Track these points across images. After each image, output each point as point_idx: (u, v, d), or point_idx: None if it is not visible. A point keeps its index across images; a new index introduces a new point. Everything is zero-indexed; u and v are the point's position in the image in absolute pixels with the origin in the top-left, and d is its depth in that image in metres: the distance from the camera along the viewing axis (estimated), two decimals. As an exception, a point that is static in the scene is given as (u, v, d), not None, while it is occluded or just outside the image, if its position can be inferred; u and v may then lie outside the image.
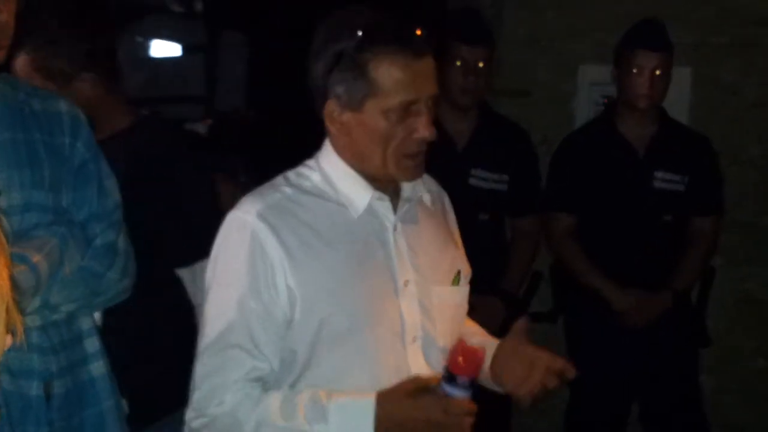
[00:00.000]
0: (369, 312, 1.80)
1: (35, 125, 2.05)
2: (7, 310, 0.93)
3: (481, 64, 3.38)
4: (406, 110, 1.76)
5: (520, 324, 1.92)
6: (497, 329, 3.34)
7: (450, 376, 1.73)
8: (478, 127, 3.49)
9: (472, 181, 3.46)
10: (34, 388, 1.99)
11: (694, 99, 4.06)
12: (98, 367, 2.15)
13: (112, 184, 2.16)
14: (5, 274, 0.93)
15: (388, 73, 1.74)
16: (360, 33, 1.74)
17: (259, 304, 1.76)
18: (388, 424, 1.73)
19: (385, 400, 1.74)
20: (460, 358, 1.74)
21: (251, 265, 1.76)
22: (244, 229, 1.78)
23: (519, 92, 4.03)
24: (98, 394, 2.15)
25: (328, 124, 1.82)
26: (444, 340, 1.88)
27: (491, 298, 3.37)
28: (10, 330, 0.94)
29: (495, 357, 1.90)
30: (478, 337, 2.02)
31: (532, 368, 1.86)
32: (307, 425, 1.72)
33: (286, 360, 1.80)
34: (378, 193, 1.84)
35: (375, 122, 1.76)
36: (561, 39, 4.01)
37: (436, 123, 3.63)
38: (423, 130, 1.78)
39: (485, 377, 1.92)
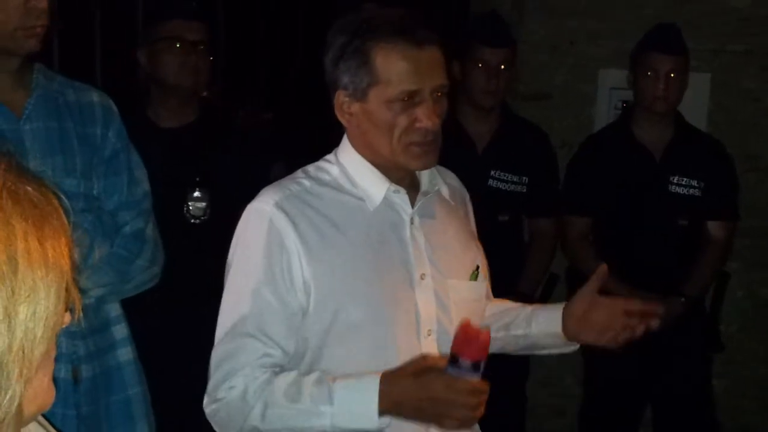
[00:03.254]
0: (384, 304, 1.81)
1: (68, 115, 2.10)
2: (67, 289, 0.97)
3: (502, 67, 3.41)
4: (410, 100, 1.77)
5: (595, 278, 1.97)
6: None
7: (453, 358, 1.70)
8: (498, 129, 3.51)
9: (492, 182, 3.48)
10: (63, 371, 2.04)
11: (713, 105, 4.08)
12: (125, 353, 2.20)
13: (141, 174, 2.21)
14: (66, 253, 0.96)
15: (390, 62, 1.76)
16: (364, 24, 1.78)
17: (275, 293, 1.78)
18: (392, 402, 1.72)
19: (390, 379, 1.73)
20: (464, 339, 1.70)
21: (268, 255, 1.78)
22: (262, 218, 1.80)
23: (539, 95, 4.06)
24: (125, 381, 2.20)
25: (339, 115, 1.85)
26: None
27: (508, 298, 3.39)
28: (69, 308, 0.98)
29: (567, 314, 1.95)
30: (509, 308, 2.06)
31: (610, 316, 1.92)
32: (312, 406, 1.73)
33: (299, 348, 1.81)
34: (394, 186, 1.85)
35: (379, 112, 1.79)
36: (581, 43, 4.04)
37: (457, 124, 3.66)
38: (425, 120, 1.78)
39: (555, 339, 1.98)
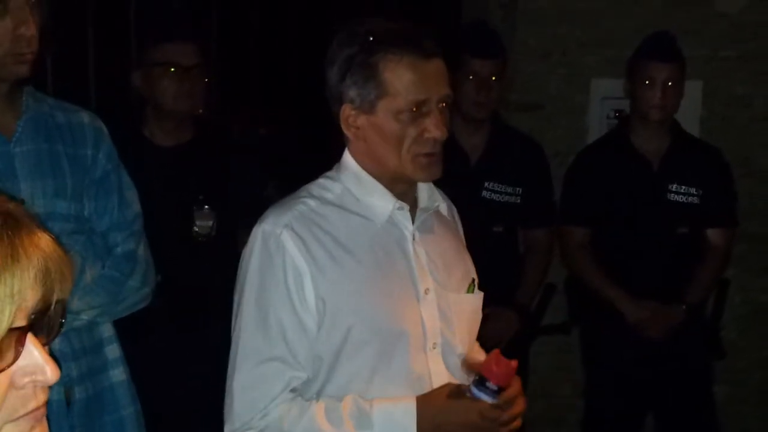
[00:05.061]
0: (392, 320, 1.84)
1: (58, 137, 2.10)
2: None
3: (493, 78, 3.41)
4: (417, 110, 1.79)
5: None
6: (511, 341, 3.41)
7: (481, 380, 1.78)
8: (490, 140, 3.51)
9: (485, 194, 3.48)
10: (55, 393, 2.03)
11: (706, 112, 4.09)
12: (118, 374, 2.20)
13: (132, 195, 2.21)
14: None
15: (398, 74, 1.78)
16: (370, 37, 1.80)
17: (293, 314, 1.80)
18: (428, 426, 1.79)
19: (425, 403, 1.80)
20: (494, 365, 1.79)
21: (282, 277, 1.80)
22: (272, 240, 1.81)
23: (532, 106, 4.06)
24: (118, 401, 2.20)
25: (344, 129, 1.86)
26: (462, 346, 1.93)
27: (505, 309, 3.39)
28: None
29: None
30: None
31: None
32: (354, 431, 1.77)
33: (314, 367, 1.83)
34: (399, 203, 1.87)
35: (387, 124, 1.81)
36: (573, 52, 4.04)
37: (449, 136, 3.67)
38: (434, 129, 1.80)
39: None
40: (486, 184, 3.48)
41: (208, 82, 3.07)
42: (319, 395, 1.83)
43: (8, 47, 1.94)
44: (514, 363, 1.80)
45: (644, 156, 3.47)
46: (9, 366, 0.91)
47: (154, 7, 4.02)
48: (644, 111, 3.41)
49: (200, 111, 3.08)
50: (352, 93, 1.81)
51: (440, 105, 1.82)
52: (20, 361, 0.92)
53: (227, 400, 1.85)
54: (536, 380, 3.85)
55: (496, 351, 1.82)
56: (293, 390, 1.81)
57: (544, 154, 3.64)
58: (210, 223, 2.98)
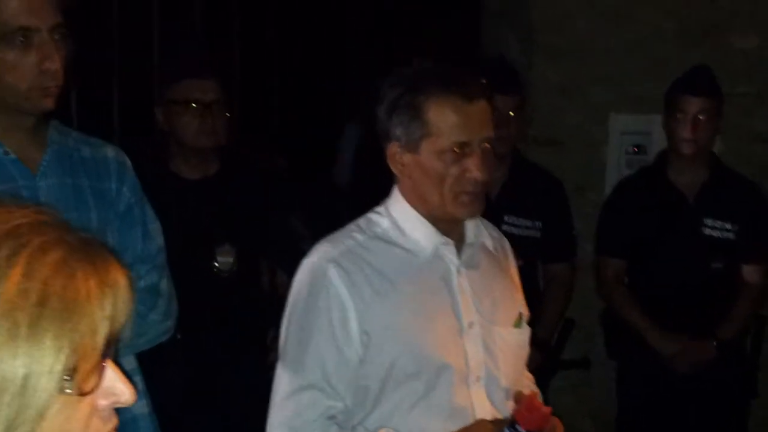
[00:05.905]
0: (436, 352, 1.88)
1: (83, 170, 2.12)
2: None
3: (512, 113, 3.42)
4: (460, 151, 1.85)
5: None
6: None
7: (512, 423, 1.82)
8: (510, 174, 3.52)
9: (506, 227, 3.48)
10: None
11: (724, 148, 4.08)
12: (140, 406, 2.19)
13: (156, 228, 2.22)
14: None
15: (441, 115, 1.85)
16: (416, 78, 1.88)
17: (334, 346, 1.85)
18: None
19: None
20: (526, 410, 1.81)
21: (326, 310, 1.86)
22: (319, 274, 1.88)
23: (550, 140, 4.07)
24: (140, 434, 2.19)
25: (391, 165, 1.94)
26: (507, 380, 1.96)
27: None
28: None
29: None
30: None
31: None
32: None
33: (359, 397, 1.88)
34: (444, 238, 1.93)
35: (431, 163, 1.87)
36: (591, 88, 4.06)
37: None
38: (475, 170, 1.86)
39: None
40: (506, 218, 3.48)
41: (229, 117, 3.10)
42: (361, 425, 1.87)
43: (33, 81, 1.96)
44: (547, 409, 1.83)
45: (680, 190, 3.46)
46: (95, 389, 0.94)
47: (173, 44, 4.07)
48: (676, 144, 3.40)
49: (223, 144, 3.11)
50: (398, 131, 1.89)
51: (483, 145, 1.88)
52: (102, 383, 0.95)
53: (268, 423, 1.90)
54: (555, 415, 3.82)
55: (531, 395, 1.86)
56: (330, 418, 1.85)
57: (564, 189, 3.65)
58: (231, 259, 3.00)
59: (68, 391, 0.91)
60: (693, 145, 3.37)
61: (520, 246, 3.51)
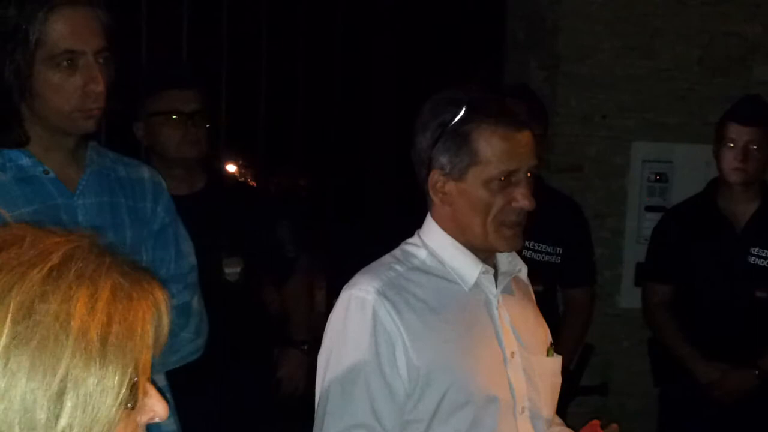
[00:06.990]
0: (484, 384, 1.85)
1: (119, 190, 2.17)
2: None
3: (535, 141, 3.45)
4: (506, 180, 1.83)
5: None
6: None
7: None
8: (531, 200, 3.54)
9: (526, 253, 3.50)
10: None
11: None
12: (169, 424, 2.22)
13: (188, 247, 2.27)
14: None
15: (490, 144, 1.82)
16: (464, 106, 1.84)
17: (382, 381, 1.80)
18: None
19: None
20: None
21: (373, 343, 1.81)
22: (364, 307, 1.83)
23: (572, 167, 4.11)
24: (168, 451, 2.22)
25: (431, 194, 1.90)
26: (546, 409, 1.95)
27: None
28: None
29: None
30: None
31: None
32: None
33: (408, 430, 1.84)
34: (485, 266, 1.90)
35: (476, 191, 1.84)
36: (613, 115, 4.10)
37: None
38: (522, 199, 1.85)
39: None
40: (526, 243, 3.50)
41: (209, 128, 3.09)
42: None
43: (77, 103, 2.00)
44: None
45: (727, 218, 3.47)
46: (136, 405, 0.98)
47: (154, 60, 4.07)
48: (726, 173, 3.41)
49: (205, 156, 3.10)
50: (443, 159, 1.85)
51: (527, 175, 1.86)
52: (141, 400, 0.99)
53: None
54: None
55: (594, 423, 1.84)
56: None
57: (584, 215, 3.67)
58: (238, 269, 3.01)
59: (130, 405, 0.95)
60: (742, 174, 3.38)
61: (540, 271, 3.54)
